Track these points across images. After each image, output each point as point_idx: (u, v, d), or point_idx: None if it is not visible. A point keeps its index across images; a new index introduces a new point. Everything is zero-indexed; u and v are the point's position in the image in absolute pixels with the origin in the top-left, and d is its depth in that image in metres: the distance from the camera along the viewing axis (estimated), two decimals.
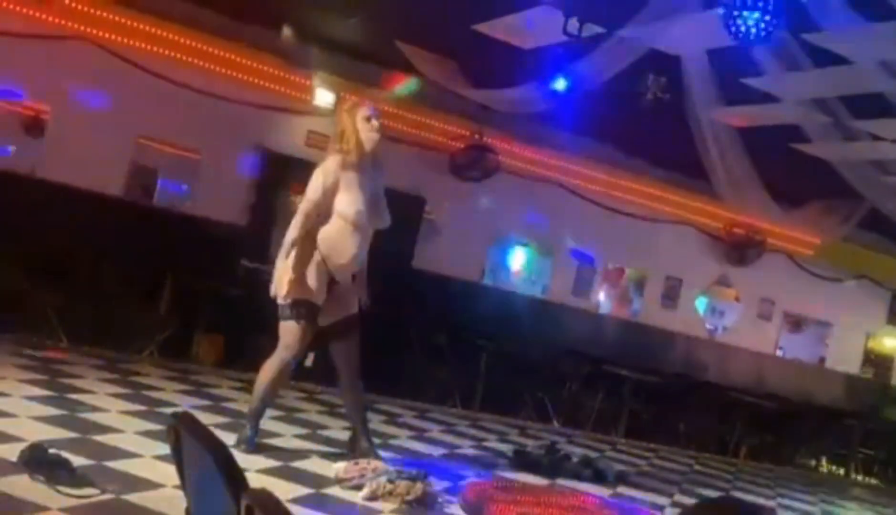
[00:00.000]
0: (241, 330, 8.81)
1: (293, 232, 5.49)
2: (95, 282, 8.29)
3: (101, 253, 8.64)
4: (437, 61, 9.28)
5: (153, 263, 8.78)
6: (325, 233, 5.57)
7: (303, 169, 10.18)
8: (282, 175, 10.18)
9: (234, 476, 2.20)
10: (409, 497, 5.13)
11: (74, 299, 8.01)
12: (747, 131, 8.73)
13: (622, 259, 12.97)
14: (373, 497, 5.08)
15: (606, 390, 10.22)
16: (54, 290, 7.90)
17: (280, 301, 5.56)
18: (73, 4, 9.03)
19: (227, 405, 6.83)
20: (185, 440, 2.43)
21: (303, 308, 5.53)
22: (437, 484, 5.55)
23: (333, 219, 5.55)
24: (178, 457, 2.51)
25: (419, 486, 5.22)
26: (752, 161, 9.06)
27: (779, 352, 14.08)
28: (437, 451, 7.02)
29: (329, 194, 5.51)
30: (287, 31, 9.37)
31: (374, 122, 5.61)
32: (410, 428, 7.72)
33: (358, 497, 5.07)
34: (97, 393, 6.25)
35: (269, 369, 5.65)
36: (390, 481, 5.17)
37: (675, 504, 6.83)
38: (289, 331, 5.56)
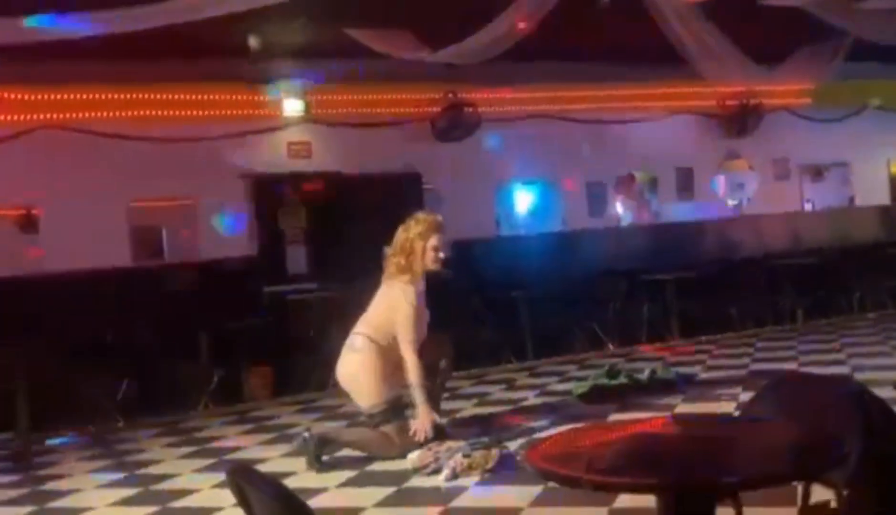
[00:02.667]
0: (285, 354, 8.86)
1: (415, 377, 5.51)
2: (133, 355, 8.34)
3: (130, 324, 8.68)
4: (392, 36, 9.16)
5: (182, 318, 8.80)
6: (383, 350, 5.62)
7: (293, 181, 10.32)
8: (275, 194, 10.20)
9: (299, 511, 2.22)
10: (489, 466, 5.15)
11: (118, 377, 8.08)
12: (711, 3, 8.57)
13: (628, 167, 12.82)
14: (454, 476, 5.10)
15: (650, 299, 10.19)
16: (97, 374, 7.95)
17: (370, 411, 5.62)
18: (26, 96, 9.02)
19: (292, 431, 6.87)
20: (247, 490, 2.45)
21: (389, 405, 5.58)
22: (512, 444, 5.57)
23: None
24: (246, 507, 2.53)
25: (494, 452, 5.24)
26: (724, 30, 8.90)
27: (807, 206, 13.95)
28: (503, 410, 7.05)
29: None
30: (254, 42, 9.19)
31: (442, 255, 5.72)
32: (472, 396, 7.75)
33: (440, 480, 5.09)
34: (165, 460, 6.32)
35: (371, 443, 5.68)
36: (465, 455, 5.19)
37: (747, 389, 6.80)
38: (388, 434, 5.58)
